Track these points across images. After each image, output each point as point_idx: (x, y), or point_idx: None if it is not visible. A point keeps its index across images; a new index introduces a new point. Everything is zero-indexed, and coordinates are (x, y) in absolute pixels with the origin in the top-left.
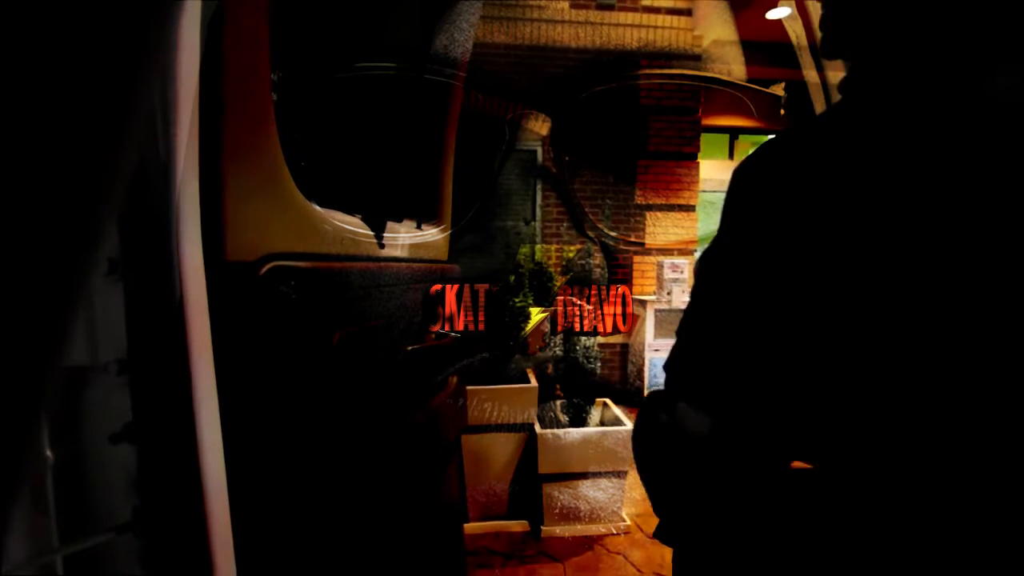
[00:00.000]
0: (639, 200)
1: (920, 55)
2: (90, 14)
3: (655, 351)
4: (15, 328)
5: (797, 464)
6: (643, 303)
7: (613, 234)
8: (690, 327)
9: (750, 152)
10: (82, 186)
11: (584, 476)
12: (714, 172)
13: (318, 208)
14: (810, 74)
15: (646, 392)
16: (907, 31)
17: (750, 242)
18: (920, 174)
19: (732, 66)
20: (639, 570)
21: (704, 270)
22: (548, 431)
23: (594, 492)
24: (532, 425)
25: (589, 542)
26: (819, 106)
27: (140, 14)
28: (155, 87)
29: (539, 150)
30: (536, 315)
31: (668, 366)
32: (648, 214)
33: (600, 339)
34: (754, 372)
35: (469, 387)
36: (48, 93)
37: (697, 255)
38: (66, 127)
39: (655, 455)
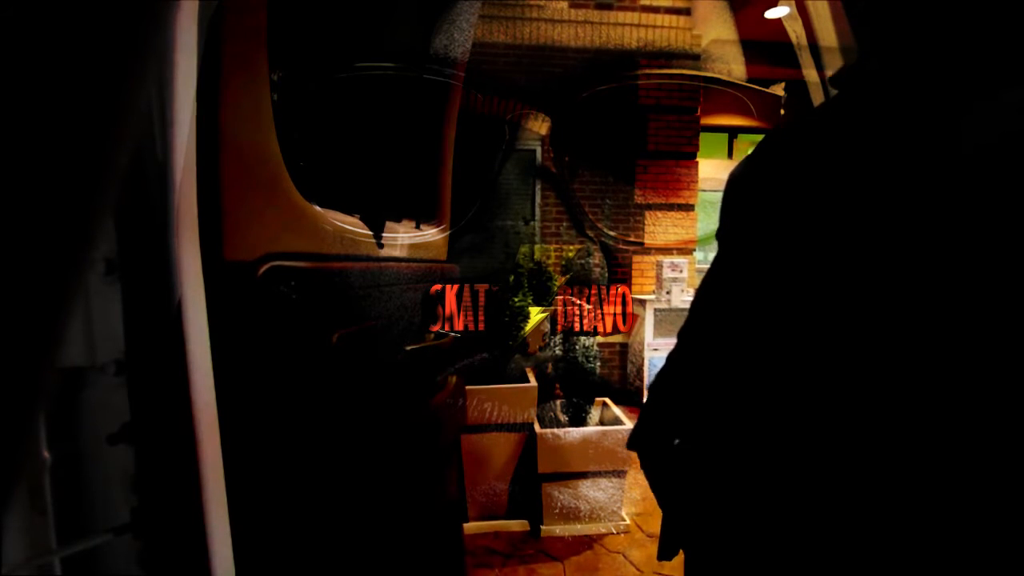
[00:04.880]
0: (638, 200)
1: (925, 58)
2: (87, 13)
3: (654, 350)
4: (13, 329)
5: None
6: (643, 303)
7: (612, 234)
8: (695, 355)
9: (736, 168)
10: (79, 186)
11: (584, 476)
12: (713, 171)
13: (317, 208)
14: (810, 74)
15: (646, 392)
16: (912, 33)
17: (752, 263)
18: (921, 184)
19: (731, 65)
20: (639, 570)
21: (708, 295)
22: (548, 431)
23: (594, 492)
24: (532, 425)
25: (589, 541)
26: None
27: (138, 13)
28: (153, 86)
29: (538, 150)
30: (536, 315)
31: (665, 386)
32: (647, 213)
33: (600, 339)
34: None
35: (469, 387)
36: (45, 93)
37: (697, 255)
38: (63, 127)
39: (665, 479)
